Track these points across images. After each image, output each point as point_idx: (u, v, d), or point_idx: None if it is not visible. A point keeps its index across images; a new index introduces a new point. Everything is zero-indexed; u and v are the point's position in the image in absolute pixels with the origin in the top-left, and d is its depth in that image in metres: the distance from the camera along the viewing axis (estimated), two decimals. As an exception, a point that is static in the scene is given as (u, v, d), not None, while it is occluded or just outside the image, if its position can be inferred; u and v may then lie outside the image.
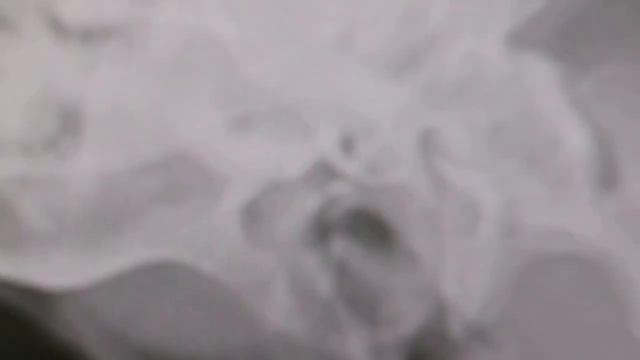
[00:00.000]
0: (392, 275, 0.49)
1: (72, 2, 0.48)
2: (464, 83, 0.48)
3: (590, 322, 0.49)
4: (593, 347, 0.49)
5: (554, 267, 0.49)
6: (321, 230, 0.49)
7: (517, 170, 0.48)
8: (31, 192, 0.48)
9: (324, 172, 0.49)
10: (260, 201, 0.49)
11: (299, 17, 0.48)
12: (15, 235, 0.49)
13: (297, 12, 0.48)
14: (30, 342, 0.50)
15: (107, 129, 0.48)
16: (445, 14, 0.48)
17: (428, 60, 0.48)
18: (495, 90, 0.48)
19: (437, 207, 0.48)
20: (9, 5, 0.49)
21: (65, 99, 0.48)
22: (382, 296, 0.49)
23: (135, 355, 0.50)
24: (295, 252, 0.49)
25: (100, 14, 0.48)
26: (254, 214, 0.49)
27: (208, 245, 0.49)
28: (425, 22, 0.48)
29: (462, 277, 0.49)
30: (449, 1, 0.48)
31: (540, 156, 0.48)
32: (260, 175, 0.48)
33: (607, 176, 0.48)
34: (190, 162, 0.48)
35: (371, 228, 0.49)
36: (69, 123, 0.48)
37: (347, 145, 0.48)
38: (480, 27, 0.48)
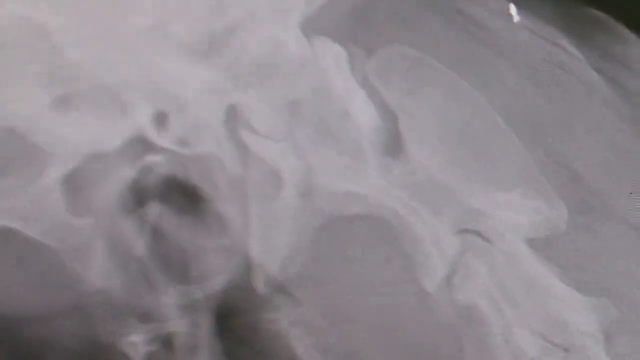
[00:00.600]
0: (202, 237, 0.52)
1: None
2: (264, 64, 0.51)
3: (383, 276, 0.52)
4: (386, 299, 0.52)
5: (349, 227, 0.52)
6: (137, 197, 0.51)
7: (314, 140, 0.51)
8: None
9: (139, 145, 0.51)
10: (80, 172, 0.51)
11: (117, 9, 0.51)
12: None
13: (117, 4, 0.50)
14: None
15: None
16: (246, 5, 0.51)
17: (232, 45, 0.51)
18: (292, 71, 0.51)
19: (242, 175, 0.51)
20: None
21: None
22: (193, 256, 0.52)
23: None
24: (113, 218, 0.51)
25: None
26: (74, 184, 0.51)
27: (33, 213, 0.50)
28: (228, 12, 0.51)
29: (265, 237, 0.52)
30: None
31: (333, 128, 0.51)
32: (80, 148, 0.50)
33: (392, 146, 0.52)
34: (16, 137, 0.50)
35: (183, 195, 0.51)
36: None
37: (161, 120, 0.51)
38: (278, 15, 0.51)
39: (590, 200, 0.53)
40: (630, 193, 0.53)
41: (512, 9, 0.53)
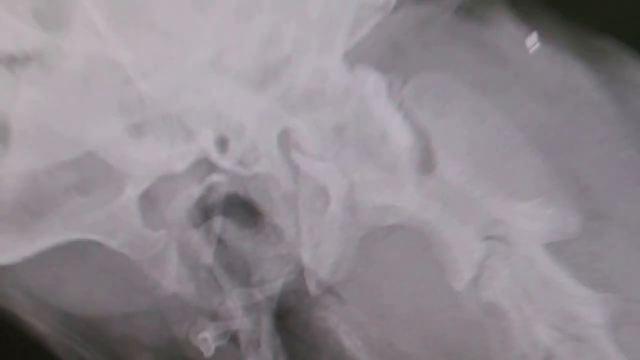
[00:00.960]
0: (261, 246, 0.56)
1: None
2: (313, 92, 0.55)
3: (417, 278, 0.56)
4: (421, 298, 0.56)
5: (387, 236, 0.56)
6: (204, 212, 0.56)
7: (356, 160, 0.55)
8: None
9: (204, 166, 0.56)
10: (154, 191, 0.55)
11: (181, 44, 0.55)
12: None
13: (180, 40, 0.55)
14: None
15: (29, 136, 0.54)
16: (295, 39, 0.55)
17: (284, 75, 0.55)
18: (336, 98, 0.56)
19: (294, 191, 0.56)
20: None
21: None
22: (253, 263, 0.56)
23: (60, 317, 0.55)
24: (183, 231, 0.56)
25: (20, 43, 0.54)
26: (149, 201, 0.55)
27: (114, 227, 0.55)
28: (279, 45, 0.55)
29: (315, 246, 0.56)
30: (297, 27, 0.55)
31: (373, 148, 0.55)
32: (152, 170, 0.55)
33: (425, 163, 0.56)
34: (96, 160, 0.54)
35: (243, 210, 0.56)
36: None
37: (222, 144, 0.55)
38: (323, 47, 0.55)
39: (598, 209, 0.56)
40: (633, 203, 0.55)
41: (532, 39, 0.56)
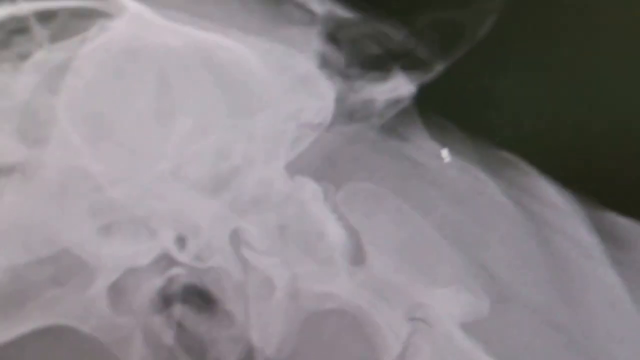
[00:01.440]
0: (215, 329, 0.57)
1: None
2: (259, 197, 0.58)
3: (353, 355, 0.58)
4: None
5: (326, 318, 0.58)
6: (164, 300, 0.57)
7: (297, 255, 0.58)
8: None
9: (165, 261, 0.57)
10: (121, 282, 0.57)
11: (145, 157, 0.57)
12: None
13: (144, 154, 0.57)
14: None
15: (11, 235, 0.56)
16: (244, 153, 0.58)
17: (234, 183, 0.58)
18: (279, 202, 0.58)
19: (244, 281, 0.58)
20: None
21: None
22: (209, 344, 0.57)
23: None
24: (147, 316, 0.57)
25: (5, 157, 0.56)
26: (116, 291, 0.57)
27: (86, 313, 0.56)
28: (230, 158, 0.58)
29: (263, 328, 0.57)
30: (245, 144, 0.58)
31: (312, 244, 0.58)
32: (120, 264, 0.57)
33: (357, 257, 0.58)
34: (71, 256, 0.56)
35: (200, 298, 0.57)
36: None
37: (181, 242, 0.57)
38: (267, 160, 0.58)
39: (503, 293, 0.59)
40: (532, 286, 0.59)
41: (444, 152, 0.60)
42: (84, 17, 0.59)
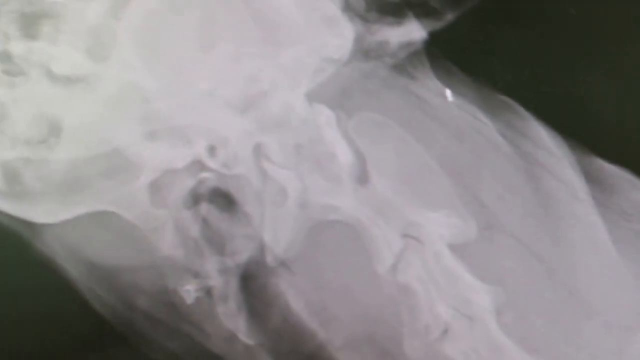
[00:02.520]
0: (234, 227, 0.60)
1: None
2: (281, 119, 0.60)
3: (349, 261, 0.60)
4: (351, 276, 0.60)
5: (329, 228, 0.60)
6: (195, 199, 0.60)
7: (310, 170, 0.60)
8: (31, 168, 0.60)
9: (197, 165, 0.60)
10: (160, 180, 0.60)
11: (188, 76, 0.60)
12: (22, 193, 0.61)
13: (187, 73, 0.60)
14: (24, 250, 0.61)
15: (75, 134, 0.60)
16: (271, 80, 0.60)
17: (260, 105, 0.60)
18: (298, 124, 0.60)
19: (262, 189, 0.60)
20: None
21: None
22: (228, 239, 0.60)
23: (87, 265, 0.61)
24: (179, 211, 0.60)
25: (74, 69, 0.59)
26: (156, 188, 0.60)
27: (129, 203, 0.60)
28: (260, 83, 0.60)
29: (274, 230, 0.60)
30: (274, 72, 0.60)
31: (323, 163, 0.60)
32: (160, 165, 0.60)
33: (361, 177, 0.61)
34: (122, 155, 0.59)
35: (223, 199, 0.60)
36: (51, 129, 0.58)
37: (212, 151, 0.60)
38: (291, 87, 0.60)
39: (492, 221, 0.60)
40: (520, 218, 0.61)
41: (448, 92, 0.61)
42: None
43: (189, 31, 0.60)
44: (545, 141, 0.61)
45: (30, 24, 0.60)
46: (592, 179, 0.61)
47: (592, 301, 0.60)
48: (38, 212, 0.61)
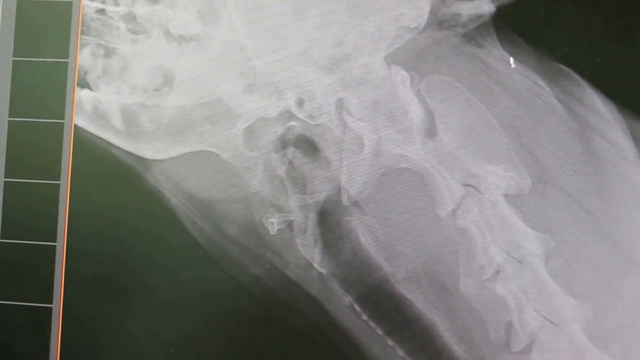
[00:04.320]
0: (315, 170, 0.64)
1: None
2: (362, 78, 0.64)
3: (415, 204, 0.63)
4: (416, 218, 0.63)
5: (399, 174, 0.63)
6: (282, 143, 0.64)
7: (385, 123, 0.62)
8: (146, 112, 0.65)
9: (287, 115, 0.64)
10: (254, 126, 0.64)
11: (283, 39, 0.64)
12: (137, 133, 0.66)
13: (284, 37, 0.64)
14: (137, 181, 0.65)
15: (184, 85, 0.64)
16: (355, 44, 0.63)
17: (344, 65, 0.64)
18: (377, 83, 0.63)
19: (341, 138, 0.64)
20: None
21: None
22: (309, 180, 0.64)
23: (187, 196, 0.65)
24: (269, 153, 0.64)
25: (187, 29, 0.62)
26: (250, 132, 0.64)
27: (227, 145, 0.64)
28: (344, 46, 0.64)
29: (350, 174, 0.63)
30: (357, 37, 0.63)
31: (397, 117, 0.63)
32: (255, 113, 0.64)
33: (430, 131, 0.64)
34: (222, 104, 0.64)
35: (308, 145, 0.64)
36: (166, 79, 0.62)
37: (300, 103, 0.64)
38: (372, 51, 0.64)
39: (545, 176, 0.63)
40: (571, 175, 0.63)
41: (511, 60, 0.64)
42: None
43: (288, 4, 0.64)
44: (597, 106, 0.62)
45: (152, -10, 0.59)
46: None
47: (635, 254, 0.61)
48: (150, 149, 0.65)
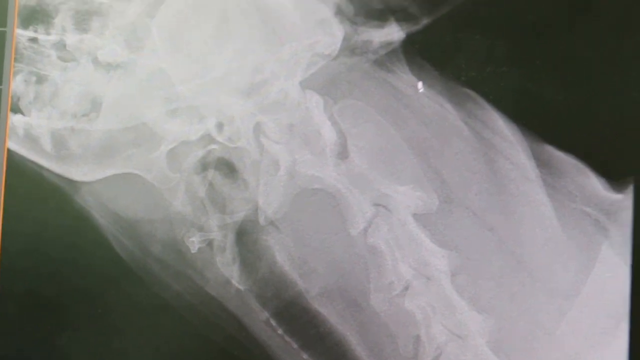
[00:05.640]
0: (234, 191, 0.65)
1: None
2: (278, 103, 0.65)
3: (327, 224, 0.65)
4: (328, 236, 0.64)
5: (312, 195, 0.65)
6: (203, 166, 0.66)
7: (299, 146, 0.64)
8: (75, 136, 0.67)
9: (207, 138, 0.66)
10: (177, 149, 0.66)
11: (204, 64, 0.65)
12: (66, 156, 0.67)
13: (204, 63, 0.64)
14: (66, 202, 0.67)
15: (111, 110, 0.65)
16: (272, 71, 0.65)
17: (262, 91, 0.66)
18: (292, 107, 0.65)
19: (259, 160, 0.65)
20: None
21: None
22: (228, 200, 0.65)
23: (113, 216, 0.66)
24: (190, 175, 0.66)
25: (114, 57, 0.63)
26: (173, 155, 0.66)
27: (150, 167, 0.66)
28: (262, 73, 0.65)
29: (267, 195, 0.65)
30: (274, 64, 0.65)
31: (311, 140, 0.65)
32: (177, 137, 0.66)
33: (342, 153, 0.65)
34: (147, 128, 0.66)
35: (227, 167, 0.66)
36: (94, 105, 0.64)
37: (220, 127, 0.66)
38: (288, 77, 0.65)
39: (451, 196, 0.64)
40: (476, 194, 0.64)
41: (420, 84, 0.65)
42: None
43: (207, 28, 0.66)
44: (501, 129, 0.64)
45: (82, 19, 0.68)
46: (542, 164, 0.63)
47: (537, 270, 0.63)
48: (78, 172, 0.67)
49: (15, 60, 0.68)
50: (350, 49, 0.65)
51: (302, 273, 0.65)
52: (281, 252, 0.65)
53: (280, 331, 0.65)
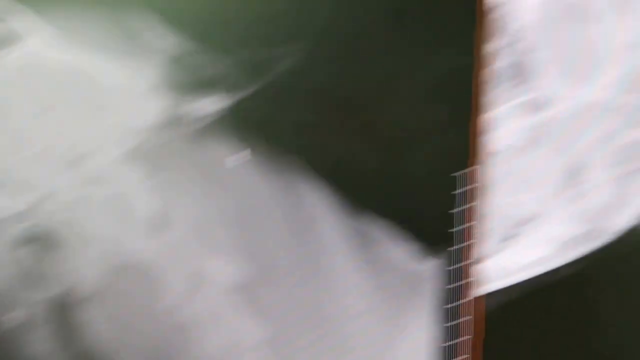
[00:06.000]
0: (49, 267, 0.65)
1: None
2: (97, 175, 0.66)
3: (139, 298, 0.64)
4: (138, 312, 0.65)
5: (128, 269, 0.65)
6: (19, 241, 0.66)
7: (118, 219, 0.64)
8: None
9: (23, 214, 0.66)
10: None
11: (20, 140, 0.65)
12: None
13: (21, 138, 0.65)
14: None
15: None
16: (88, 145, 0.66)
17: (81, 164, 0.66)
18: (111, 180, 0.66)
19: (74, 237, 0.65)
20: None
21: None
22: (42, 277, 0.65)
23: None
24: (6, 252, 0.66)
25: None
26: None
27: None
28: (77, 149, 0.66)
29: (82, 271, 0.65)
30: (91, 140, 0.65)
31: (130, 214, 0.65)
32: None
33: (161, 226, 0.65)
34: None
35: (43, 244, 0.66)
36: None
37: (41, 201, 0.65)
38: (104, 151, 0.66)
39: (265, 268, 0.65)
40: (291, 266, 0.64)
41: (239, 156, 0.66)
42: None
43: (30, 105, 0.67)
44: (318, 199, 0.66)
45: None
46: (359, 232, 0.66)
47: (348, 340, 0.64)
48: None
49: None
50: (170, 121, 0.67)
51: (116, 347, 0.65)
52: (95, 327, 0.65)
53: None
